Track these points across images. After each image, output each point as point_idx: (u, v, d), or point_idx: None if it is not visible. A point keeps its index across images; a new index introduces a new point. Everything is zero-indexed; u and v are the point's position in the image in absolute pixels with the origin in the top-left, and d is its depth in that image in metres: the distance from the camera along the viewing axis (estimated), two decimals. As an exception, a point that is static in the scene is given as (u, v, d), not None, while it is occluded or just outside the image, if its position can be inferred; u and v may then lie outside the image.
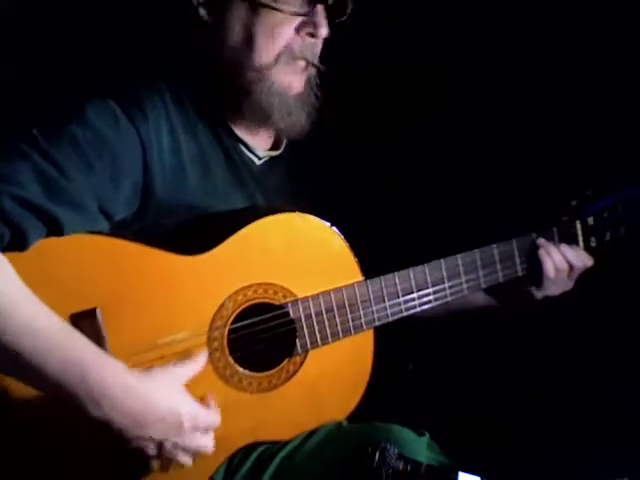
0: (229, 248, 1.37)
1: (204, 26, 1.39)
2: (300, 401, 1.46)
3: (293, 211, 1.43)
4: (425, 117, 1.85)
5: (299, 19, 1.36)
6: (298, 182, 1.58)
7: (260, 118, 1.42)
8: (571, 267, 1.60)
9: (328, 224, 1.45)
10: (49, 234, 1.21)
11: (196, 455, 1.28)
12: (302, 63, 1.40)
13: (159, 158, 1.34)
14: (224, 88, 1.42)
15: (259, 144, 1.51)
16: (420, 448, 1.40)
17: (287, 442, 1.47)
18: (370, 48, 1.42)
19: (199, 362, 1.30)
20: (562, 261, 1.59)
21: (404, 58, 1.81)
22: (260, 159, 1.51)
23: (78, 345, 1.17)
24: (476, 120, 1.83)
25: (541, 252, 1.58)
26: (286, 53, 1.37)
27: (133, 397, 1.18)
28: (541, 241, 1.61)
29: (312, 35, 1.38)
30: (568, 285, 1.62)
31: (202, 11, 1.38)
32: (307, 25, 1.37)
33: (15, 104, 1.59)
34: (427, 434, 1.45)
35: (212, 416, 1.28)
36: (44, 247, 1.23)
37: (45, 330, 1.14)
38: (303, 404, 1.46)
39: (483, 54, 1.79)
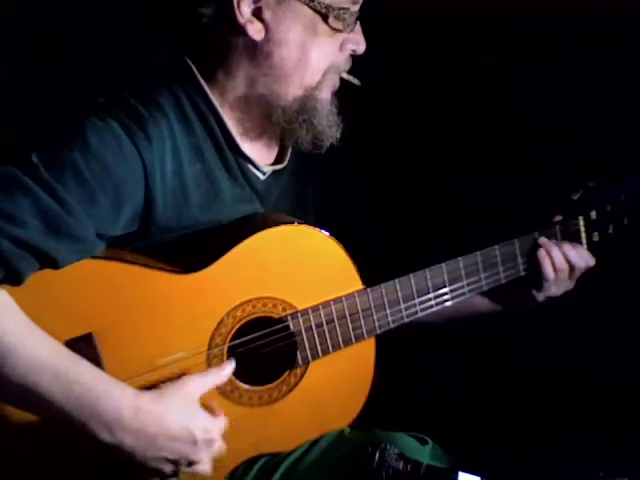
0: (226, 264, 1.34)
1: (248, 45, 1.33)
2: (302, 412, 1.45)
3: (291, 222, 1.40)
4: (424, 119, 1.81)
5: (344, 36, 1.36)
6: (301, 191, 1.55)
7: (312, 137, 1.39)
8: (572, 267, 1.57)
9: (327, 234, 1.42)
10: (44, 268, 1.19)
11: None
12: (338, 77, 1.40)
13: (161, 182, 1.30)
14: (263, 108, 1.38)
15: (264, 159, 1.47)
16: (422, 457, 1.40)
17: (290, 453, 1.47)
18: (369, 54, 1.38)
19: (215, 376, 1.29)
20: (562, 261, 1.55)
21: (403, 61, 1.77)
22: (264, 174, 1.47)
23: (85, 373, 1.17)
24: (475, 120, 1.79)
25: (541, 253, 1.55)
26: (332, 70, 1.38)
27: (144, 420, 1.17)
28: (542, 240, 1.57)
29: (354, 51, 1.39)
30: (569, 285, 1.59)
31: (252, 30, 1.31)
32: (350, 42, 1.38)
33: (15, 104, 1.55)
34: (430, 442, 1.46)
35: (221, 422, 1.27)
36: (39, 274, 1.20)
37: (50, 362, 1.14)
38: (305, 415, 1.45)
39: (480, 53, 1.75)
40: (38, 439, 1.23)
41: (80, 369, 1.16)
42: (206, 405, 1.28)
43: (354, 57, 1.41)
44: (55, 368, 1.13)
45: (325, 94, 1.39)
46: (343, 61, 1.40)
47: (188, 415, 1.22)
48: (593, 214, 1.63)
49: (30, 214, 1.15)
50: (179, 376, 1.28)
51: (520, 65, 1.77)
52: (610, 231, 1.66)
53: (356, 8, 1.36)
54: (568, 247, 1.57)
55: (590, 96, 1.75)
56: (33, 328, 1.15)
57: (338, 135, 1.41)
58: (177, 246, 1.35)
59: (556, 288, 1.58)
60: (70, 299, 1.24)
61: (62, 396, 1.13)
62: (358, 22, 1.38)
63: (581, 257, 1.57)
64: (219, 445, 1.26)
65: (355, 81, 1.45)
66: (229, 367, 1.31)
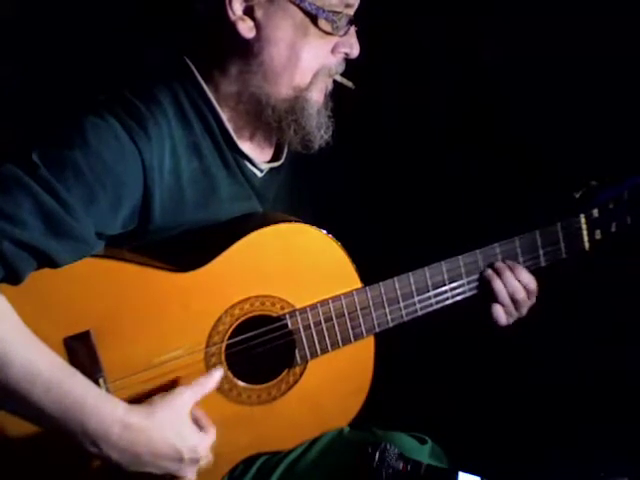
0: (224, 262, 1.34)
1: (240, 42, 1.32)
2: (301, 411, 1.44)
3: (289, 221, 1.40)
4: (423, 117, 1.80)
5: (336, 39, 1.36)
6: (299, 189, 1.54)
7: (301, 138, 1.38)
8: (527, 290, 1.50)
9: (325, 232, 1.41)
10: (43, 267, 1.19)
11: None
12: (331, 80, 1.40)
13: (159, 180, 1.30)
14: (254, 106, 1.37)
15: (262, 157, 1.47)
16: (422, 457, 1.40)
17: (289, 452, 1.46)
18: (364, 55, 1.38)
19: (205, 386, 1.27)
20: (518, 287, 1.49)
21: (399, 60, 1.77)
22: (262, 171, 1.47)
23: (77, 386, 1.16)
24: (475, 119, 1.78)
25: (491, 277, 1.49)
26: (322, 72, 1.37)
27: (132, 436, 1.16)
28: (499, 265, 1.50)
29: (346, 54, 1.38)
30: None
31: (243, 27, 1.31)
32: (343, 45, 1.38)
33: (15, 105, 1.55)
34: (429, 441, 1.45)
35: (210, 438, 1.26)
36: (37, 272, 1.20)
37: (44, 373, 1.13)
38: (304, 413, 1.45)
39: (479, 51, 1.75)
40: (34, 441, 1.22)
41: (73, 382, 1.15)
42: (197, 417, 1.27)
43: (348, 59, 1.40)
44: (48, 379, 1.13)
45: (315, 96, 1.38)
46: (335, 64, 1.39)
47: (177, 433, 1.20)
48: (595, 212, 1.62)
49: (31, 214, 1.15)
50: (173, 381, 1.28)
51: (520, 61, 1.76)
52: (613, 229, 1.65)
53: (349, 11, 1.35)
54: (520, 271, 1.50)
55: (593, 93, 1.74)
56: (30, 337, 1.14)
57: (327, 137, 1.39)
58: (175, 244, 1.35)
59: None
60: (68, 297, 1.24)
61: (53, 408, 1.12)
62: (352, 26, 1.36)
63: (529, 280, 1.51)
64: (206, 461, 1.25)
65: (349, 84, 1.44)
66: (217, 374, 1.30)
